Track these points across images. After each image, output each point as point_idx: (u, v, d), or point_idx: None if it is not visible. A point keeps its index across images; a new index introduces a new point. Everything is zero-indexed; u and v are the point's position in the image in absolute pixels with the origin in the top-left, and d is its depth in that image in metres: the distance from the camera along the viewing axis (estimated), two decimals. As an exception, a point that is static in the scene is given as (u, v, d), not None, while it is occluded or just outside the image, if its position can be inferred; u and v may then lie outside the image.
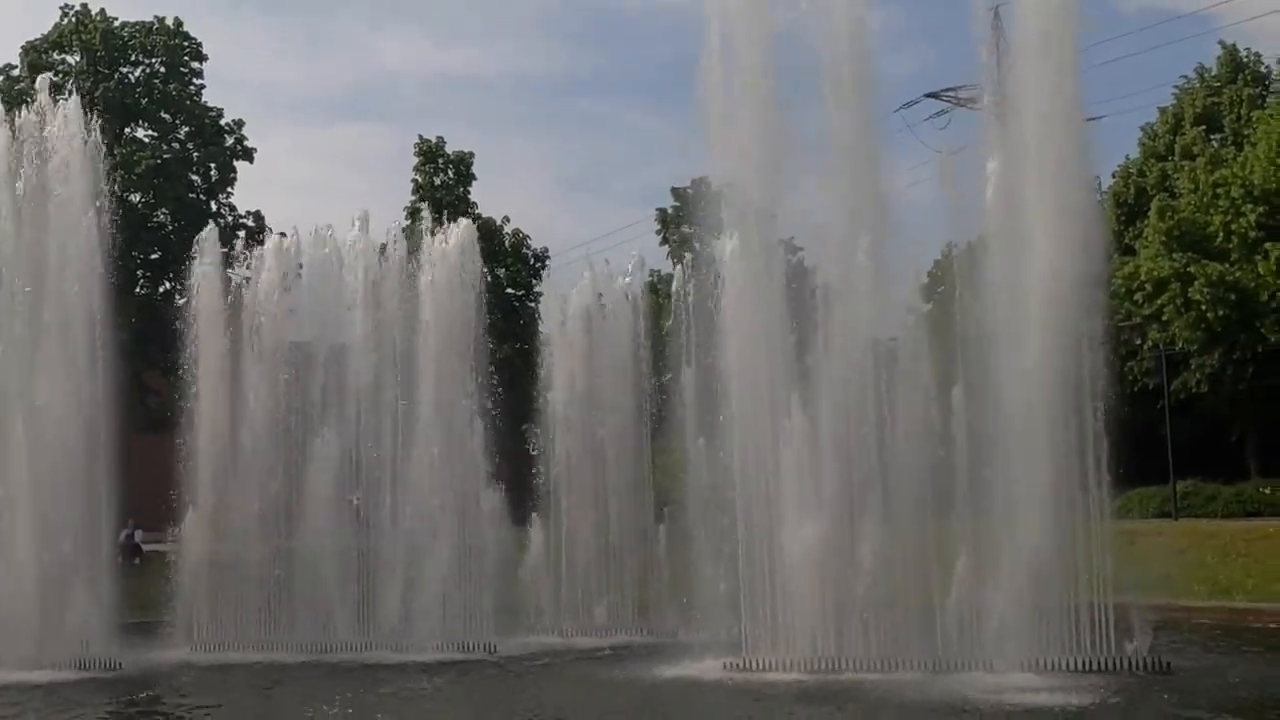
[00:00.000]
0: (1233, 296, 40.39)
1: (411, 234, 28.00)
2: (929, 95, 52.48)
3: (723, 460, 20.92)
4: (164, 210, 41.47)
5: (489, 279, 33.13)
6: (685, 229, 37.19)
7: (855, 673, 17.84)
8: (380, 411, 25.01)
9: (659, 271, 47.41)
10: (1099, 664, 17.15)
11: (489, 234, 45.83)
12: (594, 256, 43.92)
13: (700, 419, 23.60)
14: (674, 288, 28.62)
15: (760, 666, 18.53)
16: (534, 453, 27.32)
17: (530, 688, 18.96)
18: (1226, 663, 18.71)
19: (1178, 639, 19.27)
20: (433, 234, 26.03)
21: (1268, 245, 39.23)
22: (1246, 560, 29.43)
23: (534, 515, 26.55)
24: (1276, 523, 34.03)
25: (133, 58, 42.57)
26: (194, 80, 43.35)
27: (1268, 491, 40.62)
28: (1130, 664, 17.17)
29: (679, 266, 29.73)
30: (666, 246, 55.64)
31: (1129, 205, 47.55)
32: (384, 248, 26.42)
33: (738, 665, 18.68)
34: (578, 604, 25.67)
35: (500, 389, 26.36)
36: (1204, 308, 40.59)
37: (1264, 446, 43.75)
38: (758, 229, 20.81)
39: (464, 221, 26.96)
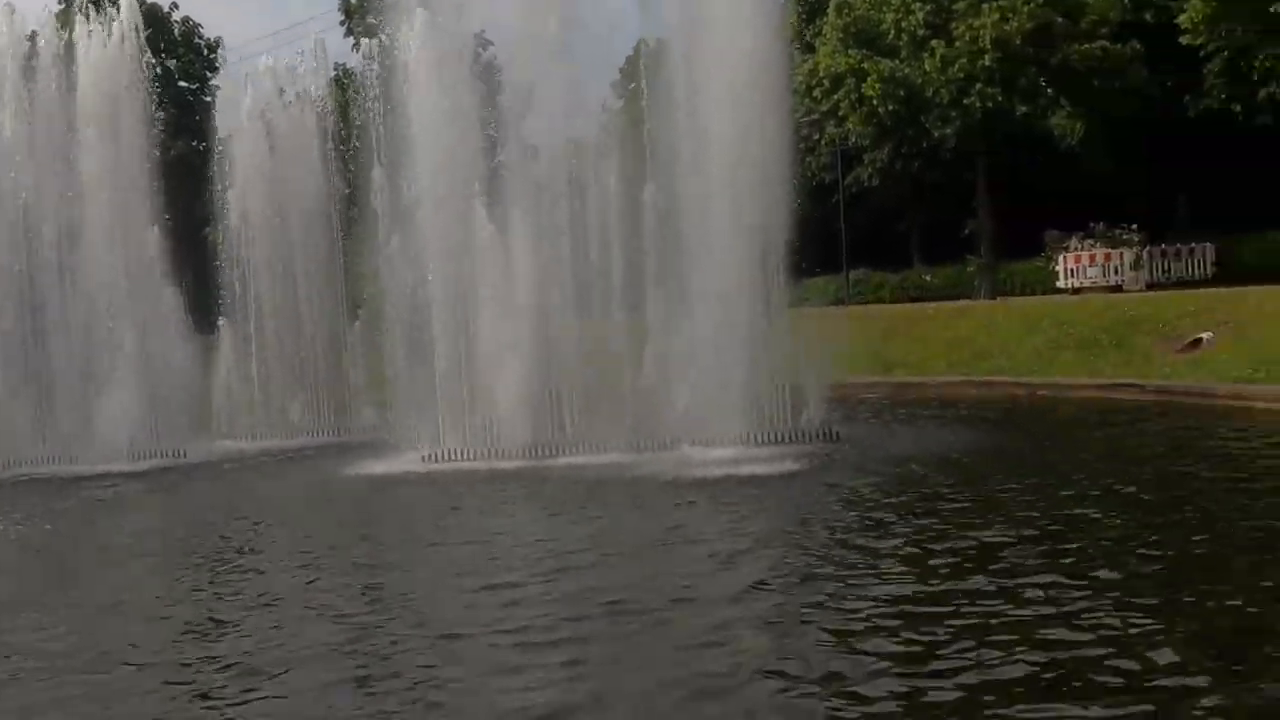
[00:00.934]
0: (902, 92, 42.51)
1: (66, 22, 25.63)
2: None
3: (415, 259, 20.76)
4: None
5: (157, 71, 30.89)
6: (371, 20, 35.49)
7: (551, 458, 18.43)
8: (44, 218, 23.29)
9: (344, 65, 45.42)
10: (778, 437, 18.41)
11: (155, 22, 42.45)
12: (275, 50, 41.38)
13: (393, 217, 23.14)
14: (359, 80, 27.57)
15: (459, 457, 18.84)
16: (218, 260, 26.25)
17: (221, 490, 18.60)
18: (887, 429, 20.45)
19: (848, 412, 20.82)
20: (88, 18, 23.88)
21: (934, 43, 41.30)
22: (908, 339, 31.96)
23: (221, 320, 25.66)
24: (934, 305, 37.02)
25: None
26: None
27: (928, 278, 43.99)
28: (805, 435, 18.53)
29: (363, 58, 28.48)
30: (352, 39, 53.18)
31: (810, 2, 48.81)
32: (34, 36, 24.08)
33: (436, 457, 18.92)
34: (270, 407, 25.26)
35: (176, 190, 24.96)
36: (875, 103, 42.58)
37: (926, 237, 47.05)
38: (444, 17, 20.23)
39: (127, 4, 24.67)
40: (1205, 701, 6.39)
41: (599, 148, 20.62)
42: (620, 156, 20.16)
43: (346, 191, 26.96)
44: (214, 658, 8.49)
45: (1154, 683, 6.73)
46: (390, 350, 22.22)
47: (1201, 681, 6.71)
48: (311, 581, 10.85)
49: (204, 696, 7.64)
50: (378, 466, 18.67)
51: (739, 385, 18.77)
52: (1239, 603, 8.23)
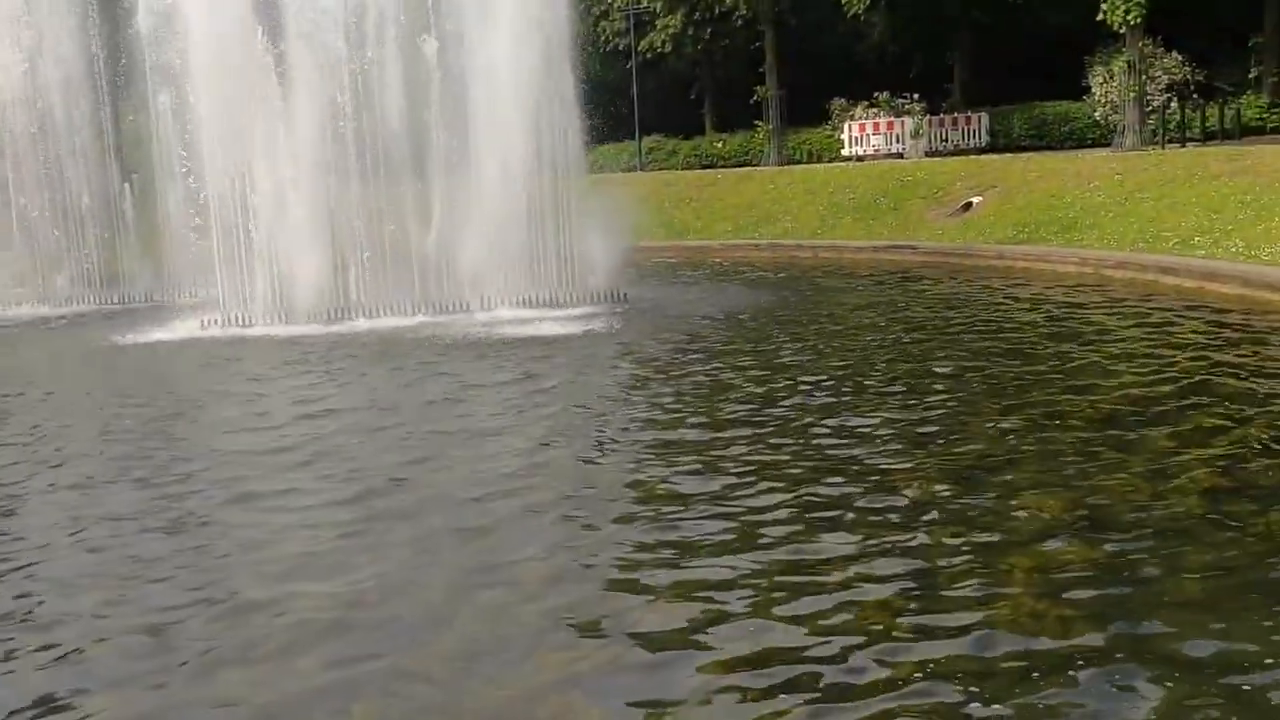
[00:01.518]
0: (693, -42, 42.30)
1: None
2: None
3: (190, 124, 19.93)
4: None
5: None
6: None
7: (337, 321, 18.18)
8: None
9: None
10: (569, 299, 18.65)
11: None
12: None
13: (166, 76, 21.98)
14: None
15: (238, 322, 18.38)
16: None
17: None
18: (673, 290, 20.88)
19: (637, 274, 21.17)
20: None
21: (725, -92, 41.06)
22: (698, 205, 32.47)
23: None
24: (723, 172, 37.60)
25: None
26: None
27: (720, 145, 44.49)
28: (594, 296, 18.82)
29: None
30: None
31: None
32: None
33: (215, 322, 18.42)
34: (36, 273, 24.04)
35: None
36: (667, -32, 42.27)
37: (718, 104, 47.43)
38: None
39: None
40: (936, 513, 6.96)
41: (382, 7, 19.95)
42: (406, 16, 19.58)
43: (114, 50, 25.43)
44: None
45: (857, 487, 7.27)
46: (164, 215, 21.33)
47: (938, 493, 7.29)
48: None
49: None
50: (155, 333, 18.08)
51: (525, 250, 18.89)
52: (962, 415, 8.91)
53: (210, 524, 7.79)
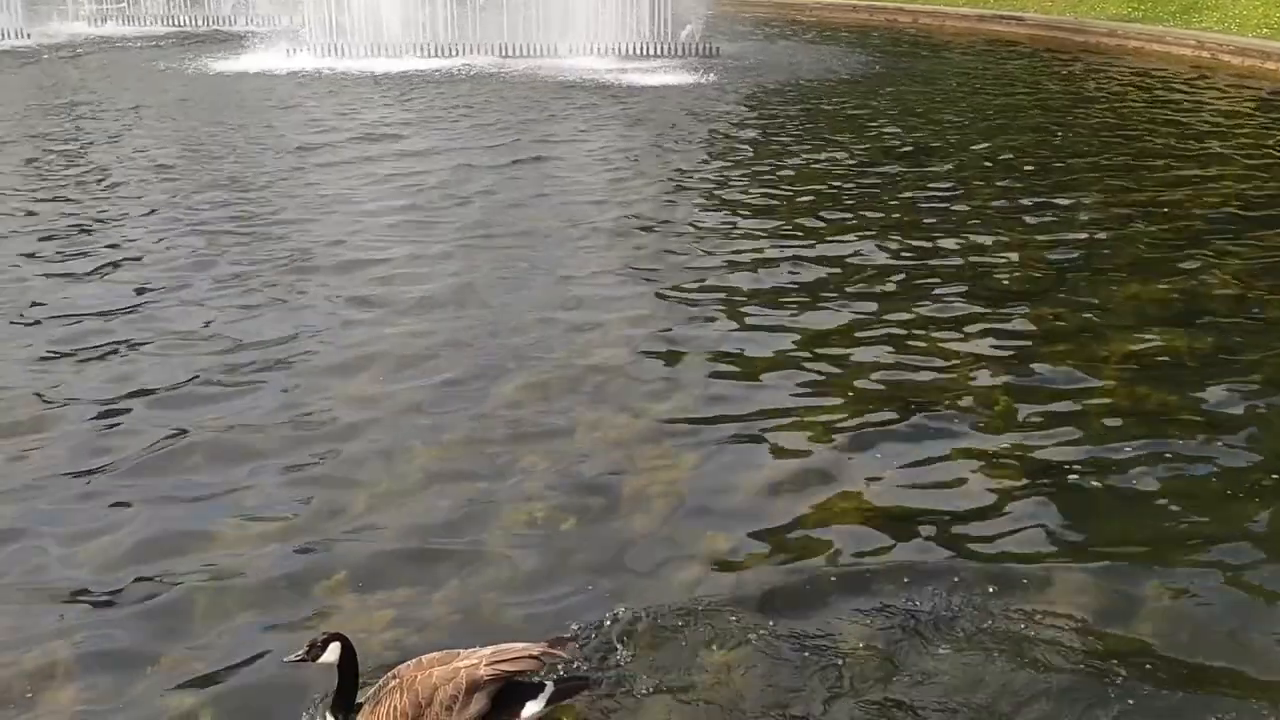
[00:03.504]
0: None
1: None
2: None
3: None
4: None
5: None
6: None
7: (428, 58, 17.98)
8: None
9: None
10: (658, 50, 18.26)
11: None
12: None
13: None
14: None
15: (331, 53, 18.12)
16: None
17: (71, 70, 17.67)
18: (762, 47, 20.19)
19: (730, 30, 20.52)
20: None
21: None
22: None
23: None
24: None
25: None
26: None
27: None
28: (685, 50, 18.40)
29: None
30: None
31: None
32: None
33: (302, 52, 18.18)
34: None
35: None
36: None
37: None
38: None
39: None
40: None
41: None
42: None
43: None
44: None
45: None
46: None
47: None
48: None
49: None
50: (240, 61, 17.90)
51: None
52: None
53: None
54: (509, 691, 3.22)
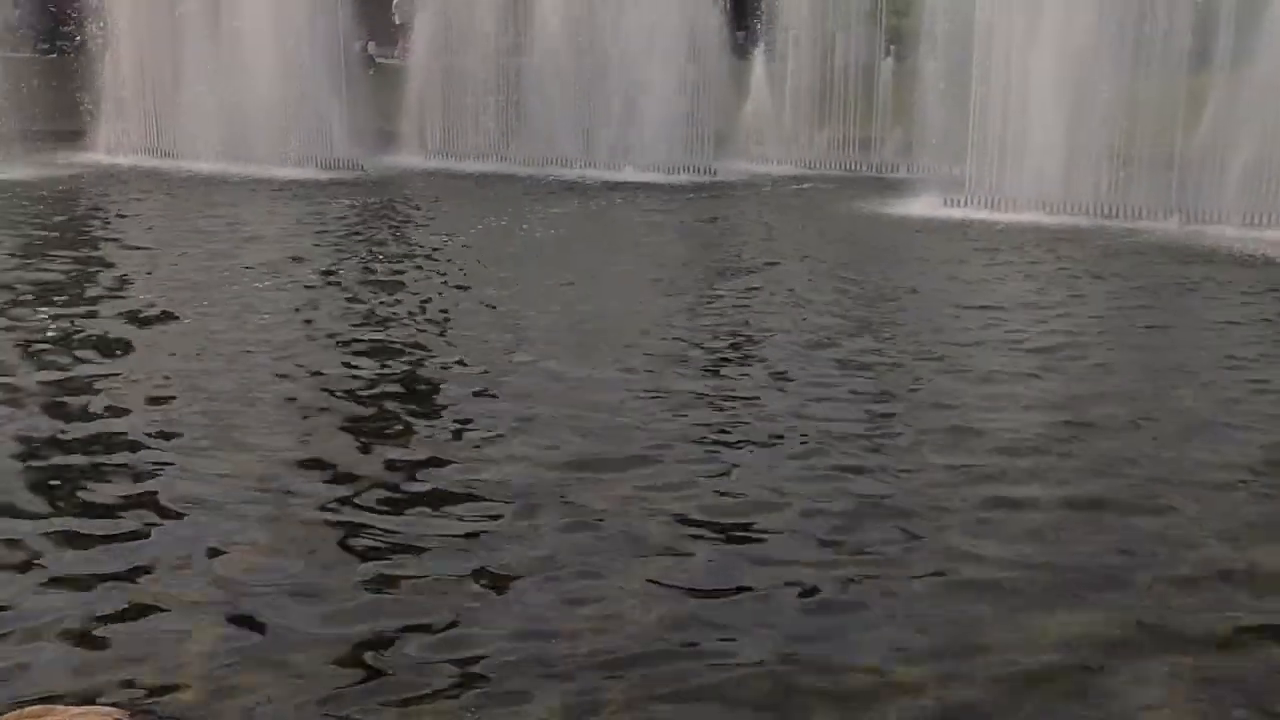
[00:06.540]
0: None
1: None
2: None
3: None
4: None
5: None
6: None
7: (1085, 217, 17.60)
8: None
9: None
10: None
11: None
12: None
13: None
14: None
15: (987, 205, 18.28)
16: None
17: (735, 205, 19.35)
18: None
19: None
20: None
21: None
22: None
23: (757, 46, 25.95)
24: None
25: None
26: None
27: None
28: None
29: None
30: None
31: None
32: None
33: (960, 202, 18.48)
34: (798, 134, 25.63)
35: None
36: None
37: None
38: None
39: None
40: None
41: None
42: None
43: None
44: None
45: None
46: (924, 87, 21.53)
47: None
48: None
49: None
50: (897, 206, 18.58)
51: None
52: None
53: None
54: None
